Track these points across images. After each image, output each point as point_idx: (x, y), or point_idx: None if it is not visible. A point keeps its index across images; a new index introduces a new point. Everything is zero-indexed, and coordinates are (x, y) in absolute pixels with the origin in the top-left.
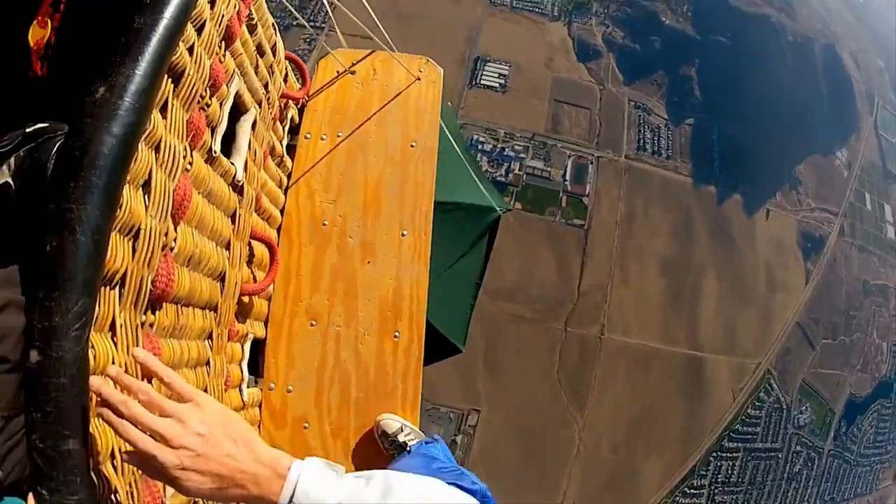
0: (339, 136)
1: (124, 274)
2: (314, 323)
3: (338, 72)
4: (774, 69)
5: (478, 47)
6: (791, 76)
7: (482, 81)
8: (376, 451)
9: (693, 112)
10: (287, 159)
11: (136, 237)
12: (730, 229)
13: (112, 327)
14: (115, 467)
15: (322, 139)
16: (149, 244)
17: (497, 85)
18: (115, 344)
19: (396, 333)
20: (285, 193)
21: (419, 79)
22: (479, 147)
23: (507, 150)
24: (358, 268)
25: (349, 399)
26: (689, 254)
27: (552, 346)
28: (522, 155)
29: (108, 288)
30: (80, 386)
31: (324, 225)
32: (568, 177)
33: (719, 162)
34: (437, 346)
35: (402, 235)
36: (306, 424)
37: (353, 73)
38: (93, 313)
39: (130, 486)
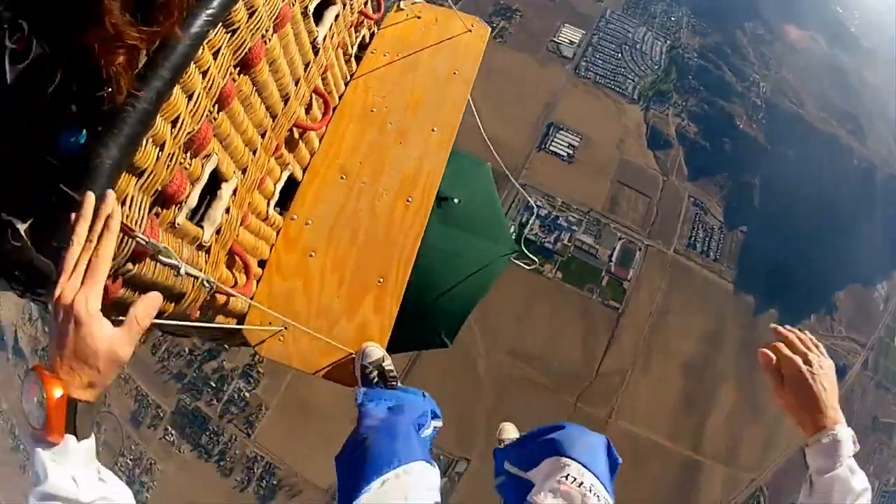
0: (397, 56)
1: None
2: (344, 177)
3: (407, 15)
4: (834, 191)
5: (554, 113)
6: (848, 200)
7: (551, 147)
8: (363, 290)
9: (748, 220)
10: (353, 63)
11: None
12: (758, 343)
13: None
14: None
15: (384, 55)
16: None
17: (565, 154)
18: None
19: (409, 199)
20: (346, 86)
21: (470, 31)
22: (535, 211)
23: (560, 219)
24: (391, 146)
25: (357, 241)
26: (713, 359)
27: (558, 417)
28: (575, 227)
29: None
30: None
31: (371, 111)
32: (614, 258)
33: (764, 275)
34: (430, 338)
35: (433, 131)
36: (313, 253)
37: (419, 17)
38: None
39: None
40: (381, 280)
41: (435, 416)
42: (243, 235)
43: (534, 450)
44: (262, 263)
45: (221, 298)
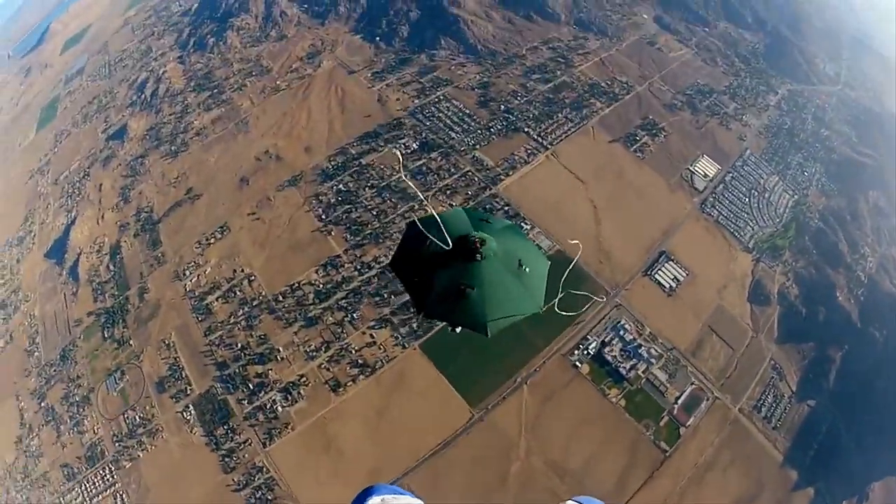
0: None
1: None
2: None
3: None
4: None
5: (669, 242)
6: None
7: (657, 276)
8: None
9: (819, 395)
10: None
11: None
12: None
13: None
14: None
15: None
16: None
17: (668, 286)
18: None
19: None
20: None
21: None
22: (621, 333)
23: (642, 349)
24: None
25: None
26: None
27: None
28: (653, 360)
29: None
30: None
31: None
32: (680, 401)
33: (815, 453)
34: (481, 328)
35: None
36: None
37: None
38: None
39: None
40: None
41: None
42: None
43: None
44: None
45: None
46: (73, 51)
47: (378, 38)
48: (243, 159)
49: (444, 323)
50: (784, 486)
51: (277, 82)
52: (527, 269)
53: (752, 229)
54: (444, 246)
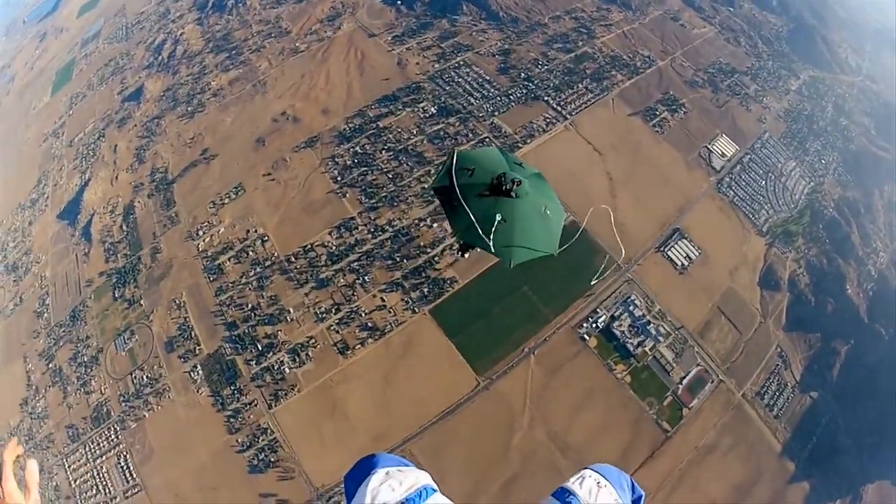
0: None
1: None
2: None
3: None
4: None
5: (684, 219)
6: None
7: (669, 253)
8: None
9: (822, 388)
10: None
11: None
12: None
13: None
14: None
15: None
16: None
17: (680, 264)
18: None
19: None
20: None
21: None
22: (630, 308)
23: (651, 325)
24: None
25: None
26: None
27: None
28: (661, 338)
29: None
30: None
31: None
32: (685, 381)
33: (813, 445)
34: (505, 257)
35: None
36: None
37: None
38: None
39: None
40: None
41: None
42: None
43: None
44: None
45: None
46: (89, 15)
47: (400, 2)
48: (260, 120)
49: (476, 247)
50: (782, 476)
51: (296, 44)
52: (549, 214)
53: (767, 213)
54: (483, 180)
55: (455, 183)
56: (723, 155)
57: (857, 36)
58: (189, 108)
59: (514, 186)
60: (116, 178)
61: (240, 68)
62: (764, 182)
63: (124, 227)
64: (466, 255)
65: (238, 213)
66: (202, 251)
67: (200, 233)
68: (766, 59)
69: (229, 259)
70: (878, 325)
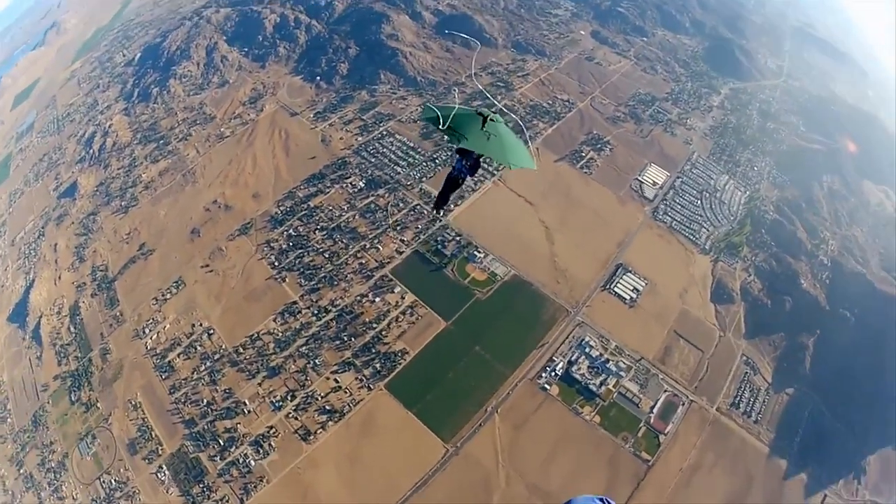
0: None
1: None
2: None
3: None
4: (886, 356)
5: (625, 253)
6: None
7: (615, 289)
8: None
9: (797, 383)
10: None
11: None
12: None
13: None
14: None
15: None
16: None
17: (628, 297)
18: None
19: None
20: None
21: None
22: (586, 350)
23: (610, 363)
24: None
25: None
26: None
27: None
28: (623, 373)
29: None
30: None
31: None
32: (656, 409)
33: (801, 438)
34: (503, 155)
35: None
36: None
37: None
38: None
39: None
40: None
41: None
42: None
43: None
44: None
45: None
46: (23, 106)
47: (318, 78)
48: (193, 210)
49: (483, 154)
50: (775, 475)
51: (221, 129)
52: (518, 138)
53: (708, 230)
54: (474, 112)
55: (447, 121)
56: (654, 184)
57: (775, 38)
58: (123, 203)
59: (492, 113)
60: (59, 278)
61: (169, 158)
62: (699, 202)
63: (72, 329)
64: (441, 214)
65: (181, 307)
66: (150, 349)
67: (147, 331)
68: (684, 82)
69: (178, 355)
70: (842, 308)
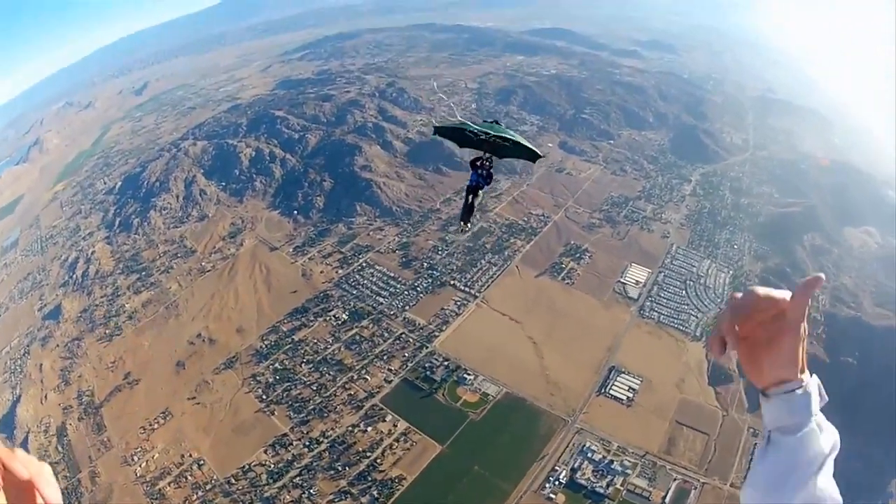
0: None
1: None
2: None
3: None
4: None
5: (616, 356)
6: None
7: (611, 391)
8: None
9: None
10: None
11: None
12: None
13: None
14: None
15: None
16: None
17: (625, 398)
18: None
19: None
20: None
21: None
22: (589, 455)
23: (615, 463)
24: None
25: None
26: None
27: None
28: (629, 471)
29: None
30: None
31: None
32: (668, 499)
33: None
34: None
35: None
36: None
37: None
38: None
39: None
40: None
41: None
42: None
43: None
44: None
45: None
46: (7, 220)
47: (296, 212)
48: (177, 343)
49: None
50: None
51: (203, 263)
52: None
53: (696, 317)
54: (482, 127)
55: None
56: (637, 283)
57: (737, 114)
58: (107, 331)
59: (497, 121)
60: (45, 397)
61: (151, 290)
62: (684, 291)
63: (60, 448)
64: (468, 226)
65: (170, 437)
66: (140, 476)
67: (135, 458)
68: (655, 177)
69: (169, 484)
70: (843, 356)
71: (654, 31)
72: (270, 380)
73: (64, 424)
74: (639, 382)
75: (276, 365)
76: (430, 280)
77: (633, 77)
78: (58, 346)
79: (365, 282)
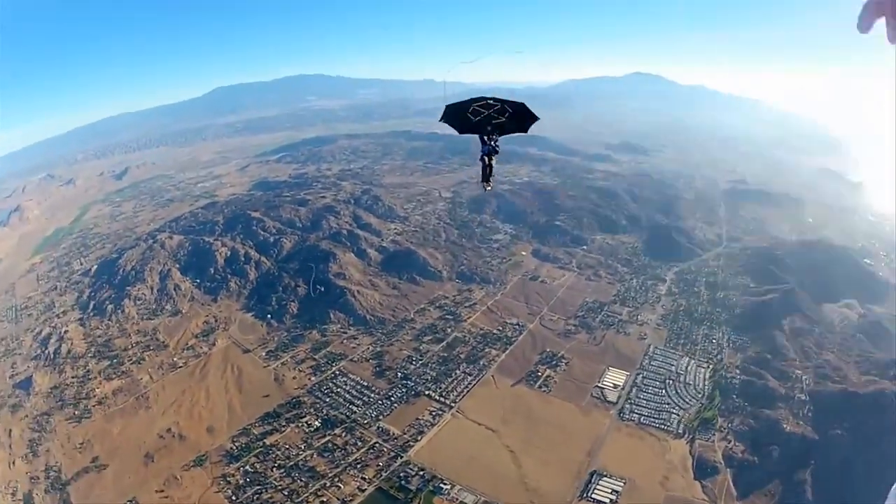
0: None
1: None
2: None
3: None
4: (887, 446)
5: (597, 460)
6: None
7: (593, 495)
8: None
9: None
10: None
11: None
12: None
13: None
14: None
15: None
16: None
17: (608, 500)
18: None
19: None
20: None
21: None
22: None
23: None
24: None
25: None
26: None
27: None
28: None
29: None
30: None
31: None
32: None
33: None
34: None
35: None
36: None
37: None
38: None
39: None
40: None
41: None
42: None
43: None
44: None
45: None
46: None
47: (269, 316)
48: (146, 435)
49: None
50: None
51: (175, 359)
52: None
53: (678, 415)
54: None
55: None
56: (615, 386)
57: (709, 208)
58: (76, 413)
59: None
60: (13, 462)
61: (122, 379)
62: (664, 390)
63: None
64: (489, 185)
65: None
66: None
67: None
68: (629, 280)
69: None
70: (831, 430)
71: (625, 133)
72: (241, 481)
73: (31, 493)
74: (622, 484)
75: (247, 467)
76: (404, 390)
77: (605, 181)
78: (27, 416)
79: (338, 390)
